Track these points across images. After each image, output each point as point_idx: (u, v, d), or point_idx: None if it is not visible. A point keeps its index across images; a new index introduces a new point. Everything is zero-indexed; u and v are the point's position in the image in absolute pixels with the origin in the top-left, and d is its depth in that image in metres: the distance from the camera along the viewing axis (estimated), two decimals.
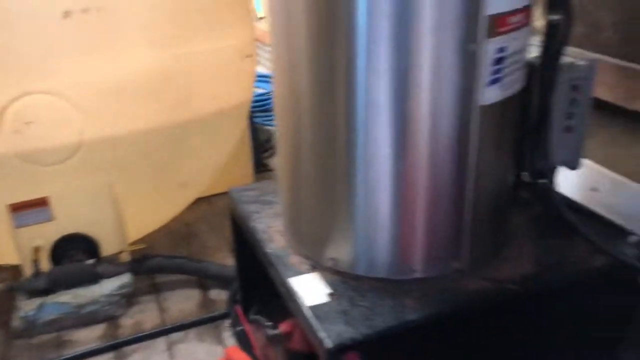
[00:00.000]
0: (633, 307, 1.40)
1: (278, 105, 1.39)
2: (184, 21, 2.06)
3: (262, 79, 3.47)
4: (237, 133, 2.40)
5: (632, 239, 1.39)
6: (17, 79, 1.80)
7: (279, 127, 1.43)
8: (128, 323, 2.04)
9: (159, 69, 2.05)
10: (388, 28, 1.11)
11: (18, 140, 1.88)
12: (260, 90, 3.48)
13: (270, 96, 3.62)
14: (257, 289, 1.75)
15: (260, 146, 3.19)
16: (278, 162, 1.48)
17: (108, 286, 2.03)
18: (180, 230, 2.59)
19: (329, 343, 1.11)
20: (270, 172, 3.05)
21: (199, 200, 2.56)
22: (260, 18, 3.55)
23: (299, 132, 1.32)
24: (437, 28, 1.10)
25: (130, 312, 2.08)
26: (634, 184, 1.65)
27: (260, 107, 3.45)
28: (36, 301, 1.97)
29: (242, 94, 2.34)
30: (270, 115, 3.61)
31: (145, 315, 2.07)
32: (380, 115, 1.18)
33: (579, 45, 1.75)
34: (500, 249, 1.38)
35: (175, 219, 2.38)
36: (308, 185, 1.35)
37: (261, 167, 3.06)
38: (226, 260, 2.27)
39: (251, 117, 2.93)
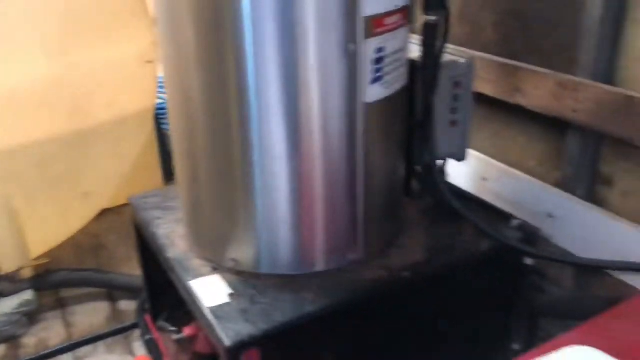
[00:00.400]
0: (518, 287, 1.51)
1: (171, 108, 1.39)
2: (79, 27, 2.01)
3: None
4: (141, 141, 2.36)
5: (515, 222, 1.49)
6: None
7: (173, 130, 1.43)
8: (31, 342, 1.96)
9: (53, 77, 1.99)
10: (273, 30, 1.14)
11: None
12: None
13: None
14: (165, 296, 1.73)
15: (170, 154, 3.14)
16: (175, 165, 1.48)
17: (7, 305, 1.94)
18: (88, 242, 2.52)
19: (227, 342, 1.13)
20: None
21: (106, 211, 2.50)
22: None
23: (193, 135, 1.33)
24: (319, 29, 1.15)
25: (34, 331, 2.00)
26: (518, 173, 1.77)
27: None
28: None
29: (144, 100, 2.30)
30: None
31: (50, 332, 1.99)
32: (272, 115, 1.21)
33: (464, 44, 1.87)
34: (394, 238, 1.45)
35: (83, 231, 2.30)
36: (206, 188, 1.36)
37: (171, 175, 3.01)
38: (137, 271, 2.22)
39: (159, 124, 2.88)
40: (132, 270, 2.25)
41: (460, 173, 1.91)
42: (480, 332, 1.51)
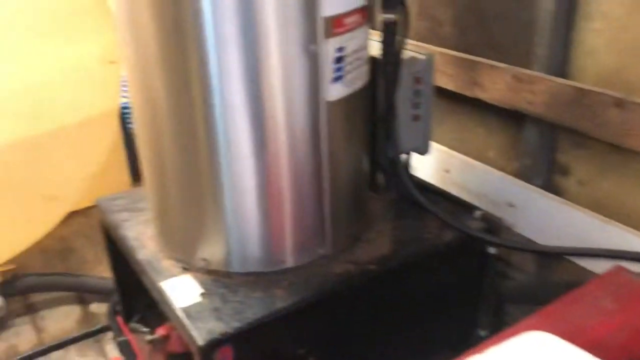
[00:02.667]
0: (483, 274, 1.56)
1: (134, 109, 1.39)
2: (39, 29, 1.99)
3: None
4: (106, 143, 2.34)
5: (477, 213, 1.54)
6: None
7: (137, 131, 1.44)
8: (1, 348, 1.94)
9: (15, 81, 1.96)
10: (234, 30, 1.15)
11: None
12: None
13: None
14: (137, 297, 1.74)
15: (136, 154, 3.12)
16: (141, 166, 1.48)
17: None
18: (55, 246, 2.49)
19: (200, 341, 1.15)
20: None
21: (74, 214, 2.48)
22: None
23: (158, 136, 1.33)
24: (279, 30, 1.17)
25: (4, 336, 1.98)
26: (479, 164, 1.82)
27: None
28: None
29: (107, 101, 2.28)
30: None
31: (20, 337, 1.98)
32: (236, 115, 1.23)
33: (424, 39, 1.91)
34: (361, 233, 1.48)
35: (50, 236, 2.28)
36: (173, 189, 1.37)
37: (139, 176, 2.99)
38: (107, 273, 2.21)
39: (126, 124, 2.86)
40: (103, 273, 2.24)
41: (423, 165, 1.95)
42: (448, 319, 1.56)
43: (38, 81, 2.02)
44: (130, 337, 1.79)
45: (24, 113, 2.02)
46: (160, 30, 1.20)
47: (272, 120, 1.24)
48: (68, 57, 2.09)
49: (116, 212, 1.64)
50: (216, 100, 1.21)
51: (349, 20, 1.21)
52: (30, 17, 1.96)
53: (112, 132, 2.41)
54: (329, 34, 1.19)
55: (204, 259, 1.37)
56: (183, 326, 1.21)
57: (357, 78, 1.30)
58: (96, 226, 2.60)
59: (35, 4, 1.96)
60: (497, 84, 1.63)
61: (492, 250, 1.52)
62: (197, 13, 1.14)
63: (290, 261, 1.37)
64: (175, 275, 1.36)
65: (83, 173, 2.27)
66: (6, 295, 2.02)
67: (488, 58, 1.69)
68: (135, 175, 2.96)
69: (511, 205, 1.67)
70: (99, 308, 2.10)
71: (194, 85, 1.21)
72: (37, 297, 2.15)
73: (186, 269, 1.38)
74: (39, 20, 1.98)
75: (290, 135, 1.26)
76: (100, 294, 2.09)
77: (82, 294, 2.15)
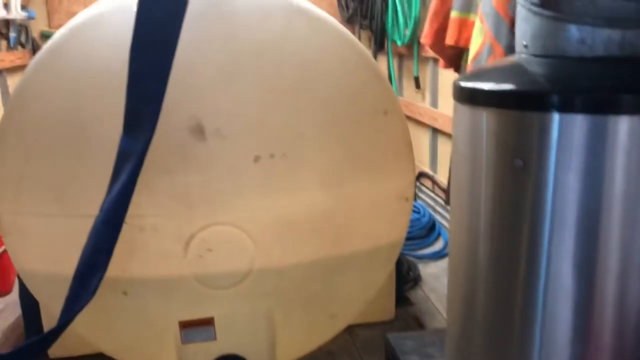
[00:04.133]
0: None
1: (453, 263, 1.45)
2: (352, 165, 2.24)
3: None
4: (387, 269, 2.47)
5: None
6: (208, 211, 2.04)
7: (451, 285, 1.49)
8: None
9: (325, 207, 2.22)
10: (573, 217, 1.16)
11: (199, 264, 2.09)
12: None
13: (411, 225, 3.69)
14: None
15: (402, 277, 3.23)
16: (447, 320, 1.52)
17: None
18: (322, 359, 2.64)
19: None
20: (411, 307, 3.05)
21: None
22: None
23: (472, 296, 1.36)
24: (622, 218, 1.13)
25: None
26: None
27: None
28: None
29: (396, 233, 2.43)
30: (411, 245, 3.67)
31: None
32: (560, 297, 1.20)
33: None
34: None
35: (319, 347, 2.44)
36: (479, 351, 1.37)
37: (402, 300, 3.08)
38: None
39: None
40: None
41: None
42: None
43: (344, 209, 2.25)
44: None
45: (327, 235, 2.25)
46: (496, 204, 1.26)
47: (601, 306, 1.18)
48: (371, 192, 2.29)
49: (407, 354, 1.70)
50: (541, 280, 1.21)
51: None
52: (349, 155, 2.23)
53: (393, 262, 2.54)
54: None
55: None
56: None
57: None
58: (359, 345, 2.73)
59: (355, 146, 2.23)
60: None
61: None
62: (537, 202, 1.17)
63: None
64: None
65: (363, 297, 2.42)
66: None
67: None
68: (399, 299, 3.05)
69: None
70: None
71: (521, 260, 1.23)
72: None
73: None
74: (356, 158, 2.24)
75: (620, 324, 1.18)
76: None
77: None
